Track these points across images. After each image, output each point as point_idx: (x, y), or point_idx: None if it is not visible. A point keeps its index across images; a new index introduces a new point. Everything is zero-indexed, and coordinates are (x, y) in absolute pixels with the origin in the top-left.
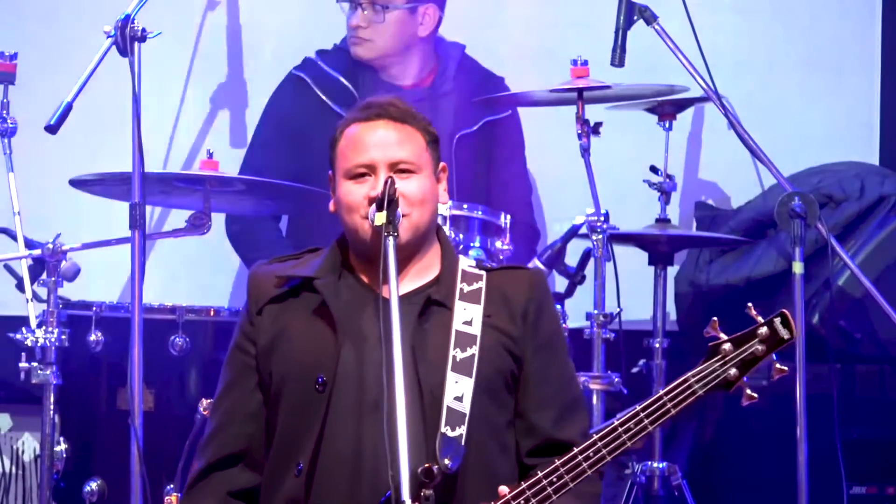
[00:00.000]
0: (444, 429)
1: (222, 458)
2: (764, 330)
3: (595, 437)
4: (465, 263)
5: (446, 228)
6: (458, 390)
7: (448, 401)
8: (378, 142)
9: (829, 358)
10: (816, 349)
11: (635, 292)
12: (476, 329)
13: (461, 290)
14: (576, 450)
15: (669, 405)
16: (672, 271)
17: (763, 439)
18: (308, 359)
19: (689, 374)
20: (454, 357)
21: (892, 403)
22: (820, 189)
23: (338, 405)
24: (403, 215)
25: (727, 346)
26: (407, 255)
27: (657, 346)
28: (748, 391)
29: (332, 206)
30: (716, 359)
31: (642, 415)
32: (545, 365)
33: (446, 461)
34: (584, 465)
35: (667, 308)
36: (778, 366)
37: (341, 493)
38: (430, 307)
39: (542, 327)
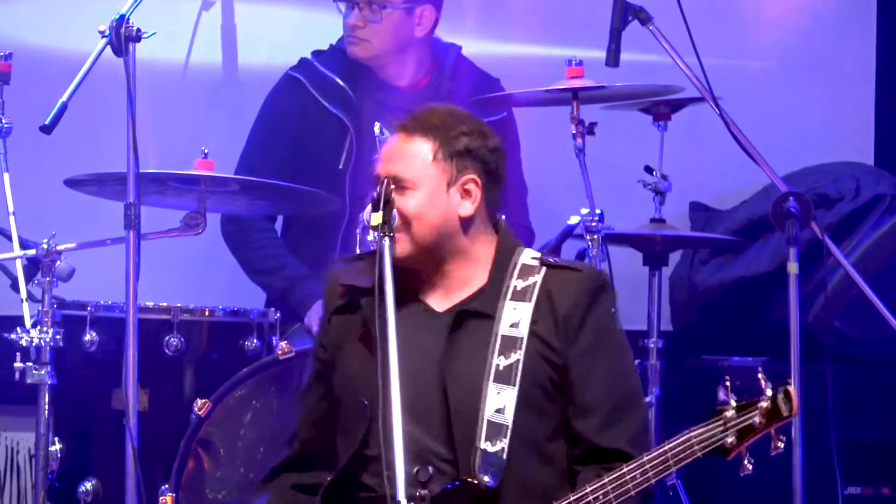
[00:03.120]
0: (484, 444)
1: (289, 460)
2: (765, 404)
3: (645, 458)
4: (528, 256)
5: None
6: (500, 402)
7: (488, 413)
8: (384, 156)
9: (824, 358)
10: (811, 349)
11: (630, 292)
12: (523, 331)
13: (514, 287)
14: (625, 468)
15: (671, 461)
16: (667, 272)
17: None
18: (354, 381)
19: (692, 433)
20: (497, 366)
21: (887, 404)
22: (815, 189)
23: (376, 426)
24: (396, 232)
25: (730, 412)
26: (431, 270)
27: (652, 346)
28: (746, 461)
29: None
30: (718, 422)
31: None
32: (587, 372)
33: (485, 478)
34: (630, 485)
35: (661, 308)
36: (776, 443)
37: None
38: (465, 320)
39: (584, 333)
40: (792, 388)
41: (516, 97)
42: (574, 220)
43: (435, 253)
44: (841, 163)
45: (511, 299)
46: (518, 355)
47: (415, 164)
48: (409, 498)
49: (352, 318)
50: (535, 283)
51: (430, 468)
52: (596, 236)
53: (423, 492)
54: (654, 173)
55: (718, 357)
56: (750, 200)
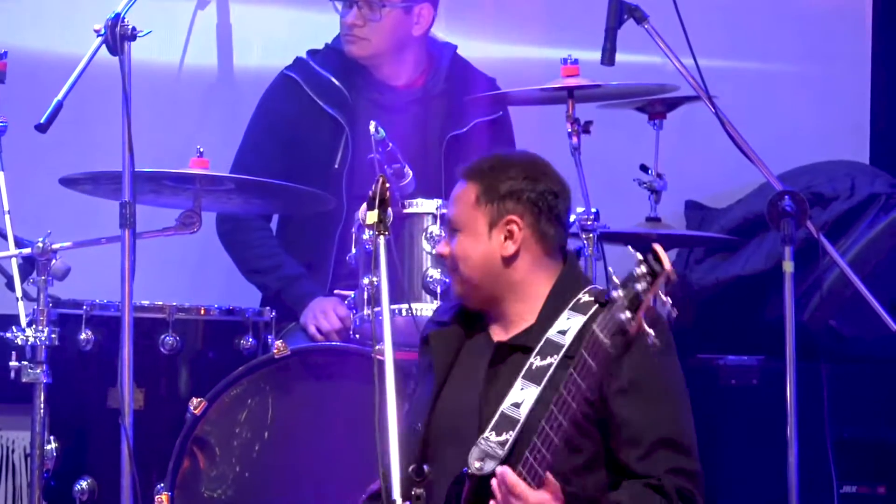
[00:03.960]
0: (489, 433)
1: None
2: (640, 269)
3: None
4: (587, 294)
5: (437, 227)
6: (520, 397)
7: (505, 405)
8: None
9: (820, 357)
10: (806, 348)
11: None
12: (566, 340)
13: (559, 326)
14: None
15: (590, 360)
16: None
17: (753, 438)
18: (417, 405)
19: (593, 325)
20: (531, 364)
21: (882, 402)
22: (810, 188)
23: (427, 450)
24: (452, 273)
25: (615, 293)
26: (489, 307)
27: None
28: (646, 328)
29: None
30: (609, 306)
31: (574, 374)
32: (626, 406)
33: (476, 463)
34: (574, 390)
35: None
36: (663, 301)
37: None
38: (507, 353)
39: (624, 368)
40: (657, 246)
41: (512, 96)
42: (570, 218)
43: (485, 291)
44: (836, 161)
45: (570, 308)
46: (553, 360)
47: (461, 208)
48: (405, 497)
49: (425, 348)
50: (579, 322)
51: (426, 467)
52: (591, 235)
53: (419, 490)
54: (650, 172)
55: (714, 356)
56: (745, 199)
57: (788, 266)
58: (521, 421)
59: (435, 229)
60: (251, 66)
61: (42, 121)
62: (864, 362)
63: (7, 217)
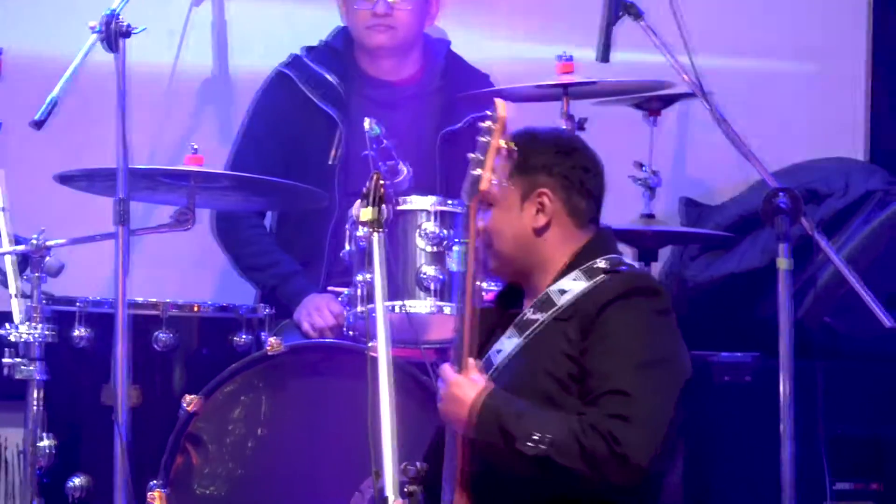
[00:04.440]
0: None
1: None
2: (486, 123)
3: None
4: (603, 262)
5: (431, 224)
6: (504, 345)
7: (491, 350)
8: None
9: (815, 354)
10: (801, 345)
11: None
12: (565, 300)
13: (561, 285)
14: None
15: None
16: (657, 267)
17: (747, 435)
18: None
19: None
20: (524, 315)
21: (876, 399)
22: (805, 185)
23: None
24: (487, 249)
25: (471, 155)
26: (523, 281)
27: None
28: (494, 181)
29: None
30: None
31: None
32: (594, 357)
33: None
34: None
35: None
36: (510, 149)
37: None
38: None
39: (601, 325)
40: (497, 100)
41: (507, 93)
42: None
43: (518, 264)
44: (831, 158)
45: (580, 270)
46: (543, 316)
47: (495, 182)
48: (400, 494)
49: None
50: (602, 275)
51: (418, 463)
52: None
53: (413, 487)
54: (645, 169)
55: (708, 353)
56: (740, 196)
57: (783, 263)
58: (494, 367)
59: (430, 226)
60: (246, 64)
61: (37, 117)
62: (859, 359)
63: (1, 214)
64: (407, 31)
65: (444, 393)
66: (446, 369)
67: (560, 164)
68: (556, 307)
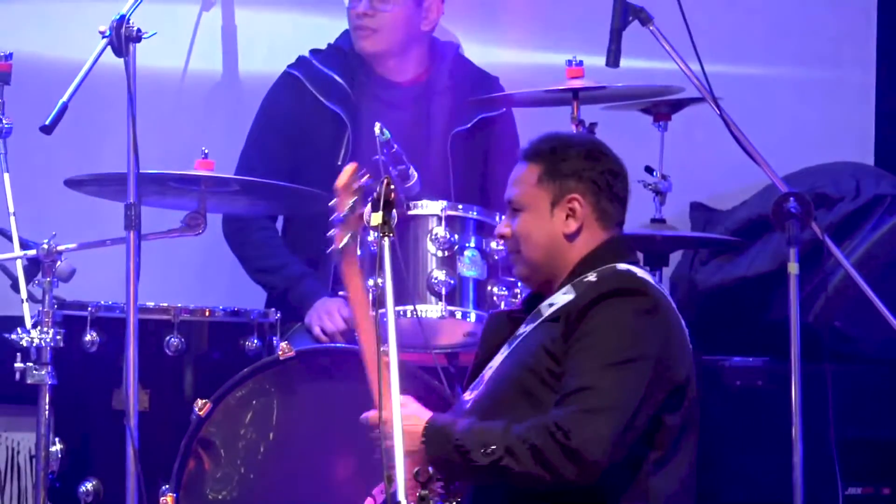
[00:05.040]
0: (467, 392)
1: None
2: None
3: None
4: (595, 275)
5: (441, 229)
6: (497, 360)
7: (487, 367)
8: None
9: (825, 358)
10: (811, 349)
11: None
12: (546, 312)
13: (551, 300)
14: None
15: None
16: (667, 272)
17: (758, 439)
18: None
19: None
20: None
21: (887, 403)
22: (815, 189)
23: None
24: (513, 254)
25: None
26: (545, 289)
27: None
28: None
29: None
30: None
31: None
32: (572, 356)
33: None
34: None
35: None
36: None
37: None
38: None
39: (580, 326)
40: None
41: (517, 97)
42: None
43: (546, 270)
44: (841, 163)
45: (571, 284)
46: (527, 329)
47: (523, 188)
48: (410, 498)
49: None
50: (566, 297)
51: (430, 468)
52: None
53: (424, 492)
54: (655, 173)
55: (718, 357)
56: (750, 200)
57: (793, 267)
58: (485, 381)
59: (440, 231)
60: (256, 68)
61: (47, 122)
62: (869, 363)
63: (12, 218)
64: (391, 36)
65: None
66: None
67: (590, 169)
68: (542, 317)
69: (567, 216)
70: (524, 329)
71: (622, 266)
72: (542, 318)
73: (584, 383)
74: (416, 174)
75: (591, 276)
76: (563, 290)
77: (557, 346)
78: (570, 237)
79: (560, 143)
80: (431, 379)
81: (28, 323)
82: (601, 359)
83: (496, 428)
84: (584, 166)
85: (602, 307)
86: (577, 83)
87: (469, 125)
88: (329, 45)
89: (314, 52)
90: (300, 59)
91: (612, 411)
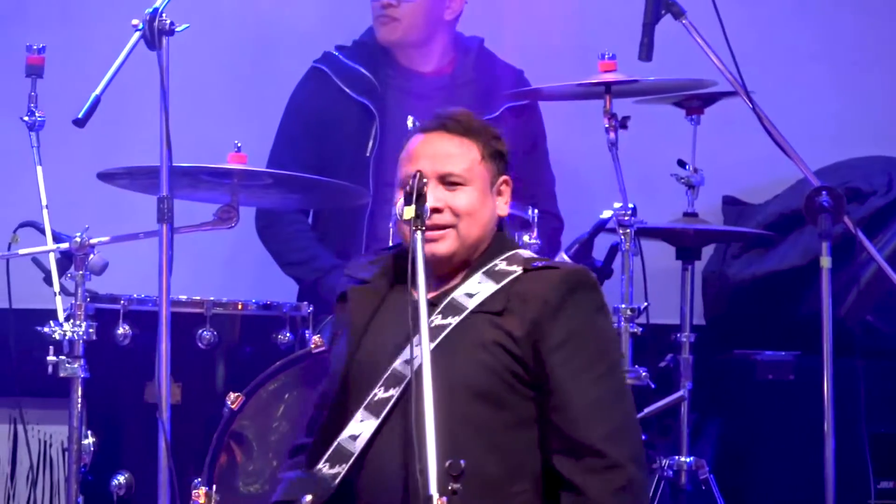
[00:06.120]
0: (377, 389)
1: None
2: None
3: None
4: (507, 263)
5: None
6: (415, 354)
7: (397, 362)
8: (430, 154)
9: (856, 352)
10: (843, 343)
11: (662, 287)
12: (472, 304)
13: (494, 266)
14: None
15: None
16: (699, 266)
17: (790, 434)
18: (334, 360)
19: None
20: (431, 322)
21: None
22: (847, 183)
23: (352, 405)
24: (449, 226)
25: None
26: (457, 264)
27: (684, 340)
28: None
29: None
30: None
31: None
32: (563, 363)
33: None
34: None
35: (694, 303)
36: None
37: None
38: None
39: (559, 325)
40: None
41: (548, 91)
42: (606, 214)
43: (472, 251)
44: (873, 157)
45: (483, 273)
46: (453, 321)
47: (466, 162)
48: (441, 492)
49: (342, 305)
50: (513, 272)
51: (462, 462)
52: (628, 230)
53: (456, 485)
54: (687, 167)
55: (750, 351)
56: (782, 195)
57: (825, 262)
58: (408, 378)
59: None
60: (288, 61)
61: (80, 116)
62: None
63: (45, 212)
64: (413, 25)
65: None
66: None
67: (507, 152)
68: (466, 309)
69: (501, 197)
70: (443, 321)
71: (525, 252)
72: (471, 309)
73: (599, 389)
74: None
75: (502, 265)
76: (476, 278)
77: (520, 344)
78: (502, 219)
79: (481, 122)
80: None
81: (61, 316)
82: (600, 365)
83: None
84: (503, 148)
85: (573, 304)
86: (609, 77)
87: (496, 114)
88: (353, 41)
89: (339, 48)
90: (326, 54)
91: (628, 432)
